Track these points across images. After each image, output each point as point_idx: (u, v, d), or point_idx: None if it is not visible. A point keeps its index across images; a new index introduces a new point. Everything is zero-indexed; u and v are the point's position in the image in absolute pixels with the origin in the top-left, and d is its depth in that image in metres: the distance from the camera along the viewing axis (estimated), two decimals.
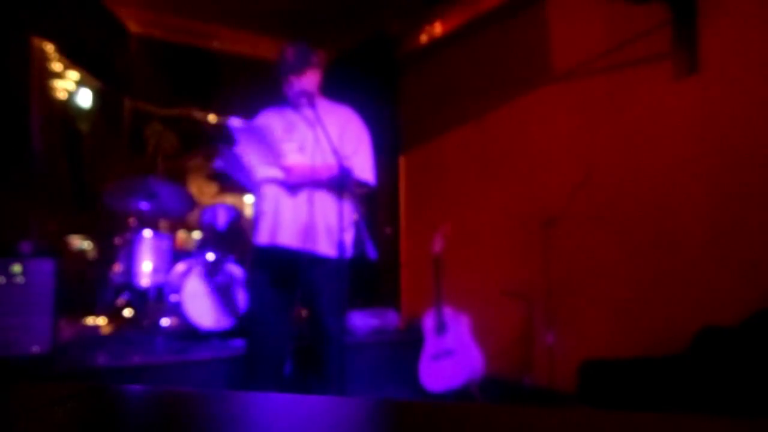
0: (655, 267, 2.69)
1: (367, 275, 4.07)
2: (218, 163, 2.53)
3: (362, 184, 2.48)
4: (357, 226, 2.44)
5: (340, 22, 4.37)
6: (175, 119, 4.63)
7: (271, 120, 2.53)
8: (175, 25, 4.58)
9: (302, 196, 2.41)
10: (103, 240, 4.00)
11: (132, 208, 3.53)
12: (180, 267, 3.50)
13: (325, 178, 2.37)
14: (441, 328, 3.27)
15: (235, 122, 2.31)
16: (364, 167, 2.45)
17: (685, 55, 2.56)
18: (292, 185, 2.41)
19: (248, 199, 4.78)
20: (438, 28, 4.24)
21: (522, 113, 3.51)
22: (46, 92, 3.83)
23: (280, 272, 2.46)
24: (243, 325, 3.29)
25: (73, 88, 4.09)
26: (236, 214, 3.83)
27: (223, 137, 2.40)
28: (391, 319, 3.94)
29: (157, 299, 3.43)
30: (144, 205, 3.49)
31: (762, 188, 2.31)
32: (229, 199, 4.58)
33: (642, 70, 2.79)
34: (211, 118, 5.00)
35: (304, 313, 3.29)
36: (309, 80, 2.46)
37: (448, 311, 3.30)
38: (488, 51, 3.82)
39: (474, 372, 3.20)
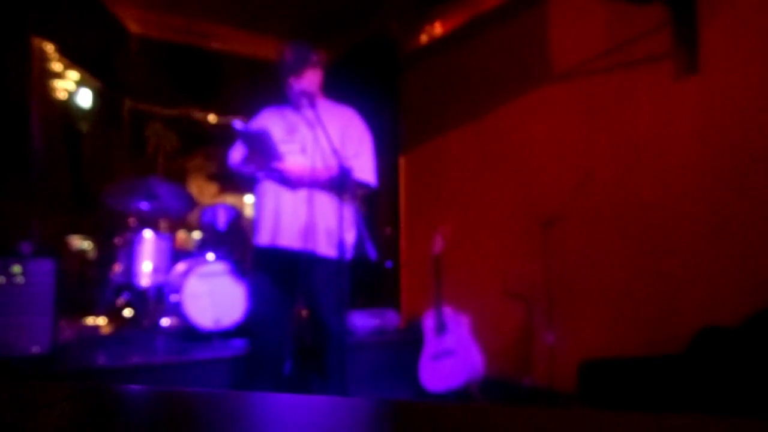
0: (655, 267, 2.69)
1: (367, 275, 4.07)
2: (233, 154, 2.54)
3: (363, 185, 2.48)
4: (357, 226, 2.44)
5: (340, 23, 4.37)
6: (175, 119, 4.64)
7: (272, 121, 2.53)
8: (175, 25, 4.58)
9: (302, 197, 2.41)
10: (103, 240, 4.00)
11: (132, 208, 3.53)
12: (180, 267, 3.50)
13: (325, 179, 2.37)
14: (441, 328, 3.27)
15: (238, 124, 2.31)
16: (365, 168, 2.45)
17: (685, 55, 2.56)
18: (291, 185, 2.41)
19: (248, 199, 4.79)
20: (438, 28, 4.24)
21: (522, 113, 3.51)
22: (46, 92, 3.83)
23: (281, 273, 2.46)
24: (244, 325, 3.29)
25: (73, 88, 4.09)
26: (236, 215, 3.83)
27: (232, 135, 2.41)
28: (391, 319, 3.94)
29: (157, 299, 3.43)
30: (144, 205, 3.49)
31: (762, 188, 2.31)
32: (229, 199, 4.58)
33: (642, 70, 2.79)
34: (211, 118, 5.01)
35: (304, 313, 3.30)
36: (309, 80, 2.46)
37: (448, 311, 3.30)
38: (488, 51, 3.82)
39: (474, 372, 3.20)
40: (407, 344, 3.50)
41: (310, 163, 2.41)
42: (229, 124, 2.42)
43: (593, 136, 3.05)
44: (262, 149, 2.36)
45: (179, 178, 4.67)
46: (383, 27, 4.52)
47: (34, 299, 2.59)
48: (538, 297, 3.22)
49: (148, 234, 3.52)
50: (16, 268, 2.56)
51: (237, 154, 2.54)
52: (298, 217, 2.39)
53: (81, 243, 4.18)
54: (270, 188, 2.45)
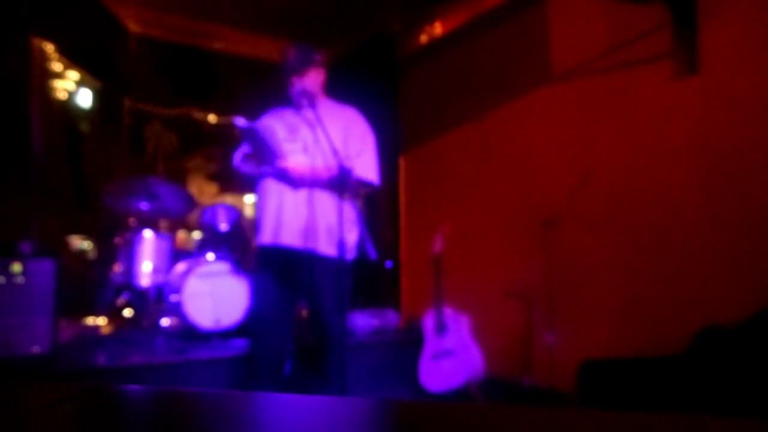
0: (655, 267, 2.69)
1: (367, 275, 4.07)
2: (238, 155, 2.55)
3: (367, 185, 2.49)
4: (359, 226, 2.44)
5: (340, 23, 4.37)
6: (175, 119, 4.64)
7: (274, 122, 2.54)
8: (175, 25, 4.58)
9: (303, 196, 2.41)
10: (103, 240, 4.00)
11: (132, 208, 3.53)
12: (180, 267, 3.50)
13: (326, 179, 2.38)
14: (441, 328, 3.27)
15: (240, 121, 2.32)
16: (368, 167, 2.46)
17: (685, 55, 2.56)
18: (293, 184, 2.42)
19: (248, 199, 4.79)
20: (438, 28, 4.24)
21: (522, 113, 3.51)
22: (46, 92, 3.83)
23: (282, 272, 2.46)
24: (244, 325, 3.29)
25: (73, 88, 4.09)
26: (236, 215, 3.83)
27: (237, 133, 2.42)
28: (391, 319, 3.94)
29: (157, 299, 3.43)
30: (144, 205, 3.49)
31: (762, 188, 2.31)
32: (230, 200, 4.58)
33: (642, 70, 2.79)
34: (211, 118, 5.00)
35: (304, 313, 3.29)
36: (311, 80, 2.48)
37: (448, 311, 3.30)
38: (488, 51, 3.82)
39: (474, 372, 3.20)
40: (407, 344, 3.50)
41: (312, 162, 2.42)
42: (230, 123, 2.43)
43: (593, 136, 3.05)
44: (264, 146, 2.37)
45: (179, 178, 4.67)
46: (383, 27, 4.52)
47: (34, 299, 2.59)
48: (538, 297, 3.22)
49: (148, 234, 3.52)
50: (16, 268, 2.56)
51: (241, 154, 2.56)
52: (299, 216, 2.40)
53: (81, 243, 4.18)
54: (272, 187, 2.45)
